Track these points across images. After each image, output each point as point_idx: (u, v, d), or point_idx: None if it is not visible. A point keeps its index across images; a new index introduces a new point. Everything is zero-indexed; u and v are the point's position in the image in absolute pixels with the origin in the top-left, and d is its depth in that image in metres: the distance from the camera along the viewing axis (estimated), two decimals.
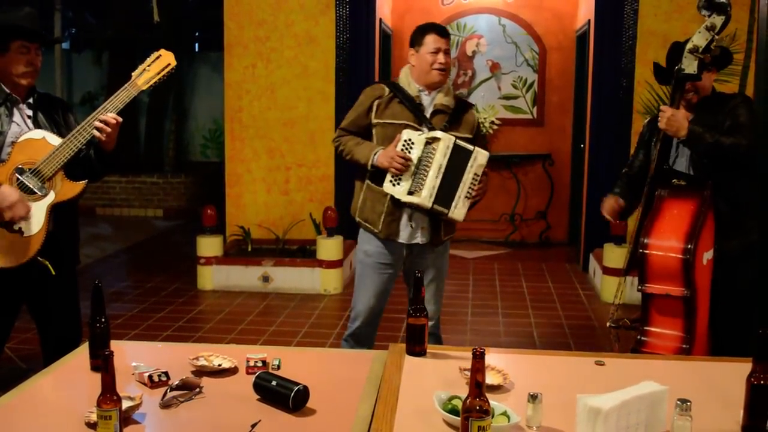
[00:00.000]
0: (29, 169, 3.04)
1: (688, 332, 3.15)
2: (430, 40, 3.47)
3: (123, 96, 3.14)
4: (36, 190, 3.04)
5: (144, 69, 3.20)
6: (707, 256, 3.19)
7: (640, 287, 3.24)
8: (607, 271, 6.26)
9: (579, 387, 2.14)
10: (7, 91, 3.12)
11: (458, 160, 3.36)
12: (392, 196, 3.43)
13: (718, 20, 3.14)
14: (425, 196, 3.34)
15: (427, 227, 3.51)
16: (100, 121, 3.05)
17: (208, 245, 6.61)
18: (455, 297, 6.35)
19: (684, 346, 3.13)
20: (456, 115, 3.52)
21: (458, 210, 3.40)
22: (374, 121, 3.51)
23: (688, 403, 1.85)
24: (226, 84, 7.21)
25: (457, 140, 3.37)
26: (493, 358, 2.45)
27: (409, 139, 3.37)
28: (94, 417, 1.93)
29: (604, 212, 3.65)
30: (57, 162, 3.05)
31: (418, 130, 3.42)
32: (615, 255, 6.21)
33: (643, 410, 1.88)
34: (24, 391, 2.28)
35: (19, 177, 3.03)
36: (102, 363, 1.88)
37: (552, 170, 8.59)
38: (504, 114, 8.62)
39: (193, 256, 6.82)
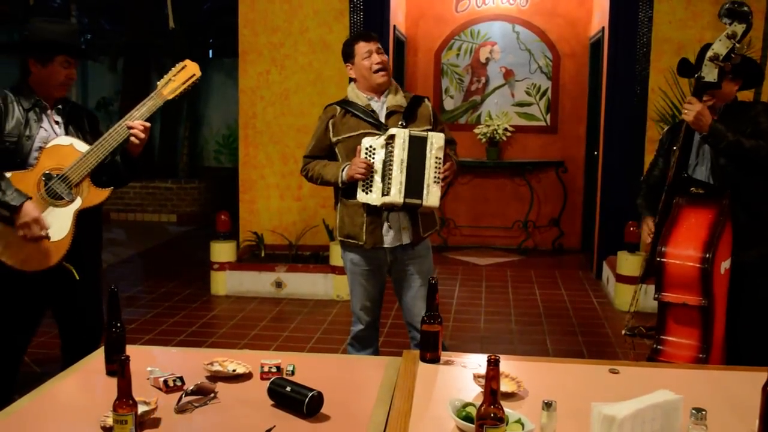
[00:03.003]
0: (57, 175, 3.11)
1: (704, 342, 3.13)
2: (359, 48, 3.56)
3: (149, 105, 3.21)
4: (64, 196, 3.11)
5: (169, 79, 3.27)
6: (725, 265, 3.18)
7: (656, 296, 3.23)
8: (621, 278, 6.24)
9: (593, 395, 2.14)
10: (37, 97, 3.19)
11: (416, 149, 3.38)
12: (367, 205, 3.46)
13: (739, 28, 3.11)
14: (395, 193, 3.36)
15: (408, 226, 3.54)
16: (129, 127, 3.13)
17: (222, 251, 6.63)
18: (468, 304, 6.35)
19: (701, 355, 3.12)
20: (410, 111, 3.56)
21: (431, 197, 3.40)
22: (333, 139, 3.56)
23: (703, 413, 1.84)
24: (240, 90, 7.25)
25: (411, 130, 3.40)
26: (507, 365, 2.45)
27: (370, 146, 3.41)
28: (109, 421, 1.95)
29: (648, 240, 3.56)
30: (84, 168, 3.12)
31: (376, 135, 3.46)
32: (628, 262, 6.20)
33: (657, 419, 1.87)
34: (40, 395, 2.30)
35: (47, 182, 3.09)
36: (118, 368, 1.90)
37: (565, 177, 8.57)
38: (517, 121, 8.61)
39: (206, 261, 6.85)
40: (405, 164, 3.36)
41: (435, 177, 3.40)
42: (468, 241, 8.76)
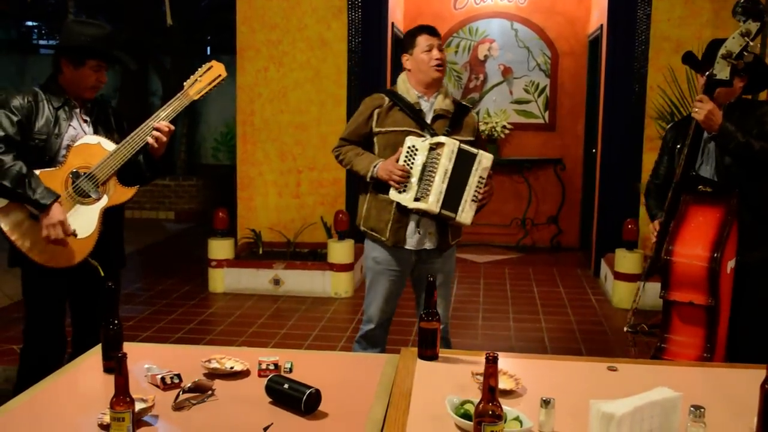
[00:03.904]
0: (84, 173, 3.15)
1: (709, 341, 3.08)
2: (422, 40, 3.50)
3: (176, 105, 3.26)
4: (91, 194, 3.16)
5: (196, 79, 3.32)
6: (731, 264, 3.14)
7: (662, 294, 3.18)
8: (619, 276, 6.24)
9: (592, 392, 2.14)
10: (67, 96, 3.23)
11: (463, 163, 3.36)
12: (398, 203, 3.43)
13: (753, 26, 3.05)
14: (432, 202, 3.33)
15: (435, 232, 3.51)
16: (155, 129, 3.17)
17: (220, 248, 6.62)
18: (466, 301, 6.34)
19: (705, 354, 3.08)
20: (456, 118, 3.53)
21: (465, 214, 3.39)
22: (375, 129, 3.52)
23: (702, 410, 1.84)
24: (238, 87, 7.23)
25: (462, 144, 3.36)
26: (505, 362, 2.44)
27: (413, 146, 3.38)
28: (107, 419, 1.94)
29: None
30: (111, 167, 3.16)
31: (420, 136, 3.42)
32: (626, 260, 6.19)
33: (656, 416, 1.87)
34: (37, 392, 2.30)
35: (75, 180, 3.13)
36: (116, 365, 1.89)
37: (563, 175, 8.57)
38: (516, 118, 8.61)
39: (204, 258, 6.84)
40: (449, 175, 3.33)
41: (474, 196, 3.38)
42: (466, 239, 8.69)
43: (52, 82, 3.25)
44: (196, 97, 3.30)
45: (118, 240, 3.48)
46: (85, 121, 3.28)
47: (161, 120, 3.20)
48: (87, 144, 3.20)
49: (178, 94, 3.28)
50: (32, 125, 3.13)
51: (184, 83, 3.31)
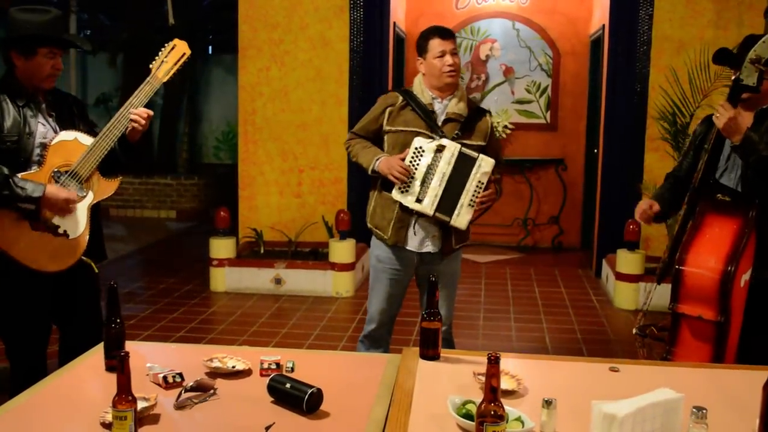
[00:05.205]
0: (66, 172, 3.06)
1: (716, 358, 2.96)
2: (434, 45, 3.47)
3: (147, 90, 3.20)
4: (76, 192, 3.07)
5: (162, 61, 3.25)
6: (745, 277, 2.99)
7: (671, 306, 3.06)
8: (620, 276, 6.24)
9: (593, 393, 2.13)
10: (29, 91, 3.11)
11: (462, 168, 3.36)
12: (401, 204, 3.44)
13: None
14: (427, 204, 3.36)
15: (438, 235, 3.51)
16: (134, 117, 3.12)
17: (221, 247, 6.62)
18: (467, 301, 6.34)
19: None
20: (469, 122, 3.51)
21: (461, 217, 3.39)
22: (386, 128, 3.52)
23: (704, 411, 1.83)
24: (239, 86, 7.23)
25: (462, 148, 3.36)
26: (507, 363, 2.44)
27: (420, 147, 3.38)
28: (109, 417, 1.94)
29: (636, 216, 3.43)
30: (92, 162, 3.09)
31: (429, 137, 3.42)
32: (628, 261, 6.19)
33: (658, 417, 1.87)
34: (39, 392, 2.30)
35: (58, 180, 3.04)
36: (118, 364, 1.89)
37: (565, 175, 8.56)
38: (517, 118, 8.61)
39: (205, 257, 6.85)
40: (446, 178, 3.34)
41: (471, 200, 3.38)
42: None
43: (10, 79, 3.10)
44: (165, 79, 3.23)
45: (98, 233, 3.37)
46: (50, 116, 3.15)
47: (134, 107, 3.13)
48: (64, 141, 3.09)
49: (147, 78, 3.20)
50: (0, 127, 3.01)
51: (151, 66, 3.23)
